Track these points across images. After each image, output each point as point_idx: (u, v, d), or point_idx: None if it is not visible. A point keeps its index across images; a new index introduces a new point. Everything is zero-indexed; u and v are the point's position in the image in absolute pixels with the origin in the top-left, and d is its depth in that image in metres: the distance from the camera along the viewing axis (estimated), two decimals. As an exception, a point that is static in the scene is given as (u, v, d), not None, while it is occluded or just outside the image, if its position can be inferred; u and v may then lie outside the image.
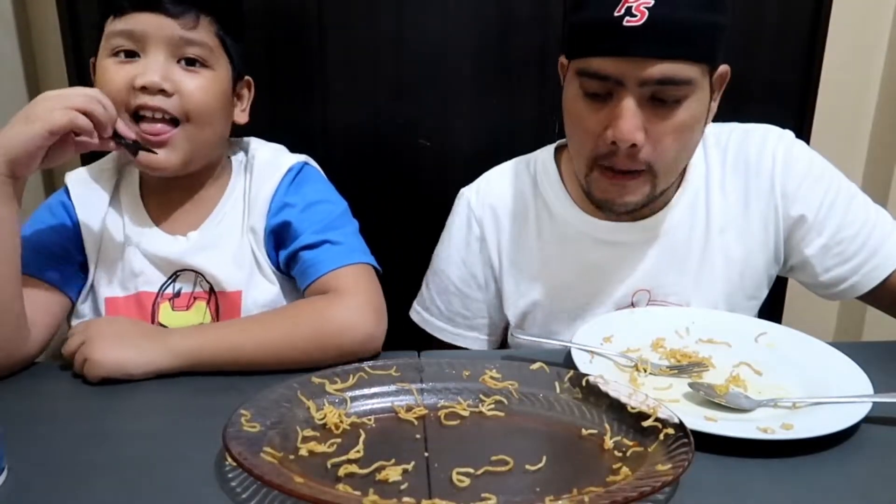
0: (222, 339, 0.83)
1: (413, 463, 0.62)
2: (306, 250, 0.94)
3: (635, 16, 0.79)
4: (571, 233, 1.00)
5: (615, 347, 0.85)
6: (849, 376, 0.77)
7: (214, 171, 1.00)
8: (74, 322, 0.96)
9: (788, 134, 1.00)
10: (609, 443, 0.65)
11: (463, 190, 1.08)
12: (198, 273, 0.95)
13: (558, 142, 1.05)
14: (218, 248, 0.96)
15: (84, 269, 0.96)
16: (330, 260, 0.92)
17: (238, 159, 1.03)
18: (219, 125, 0.95)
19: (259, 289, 0.96)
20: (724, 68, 0.90)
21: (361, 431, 0.67)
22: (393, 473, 0.60)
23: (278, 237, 0.97)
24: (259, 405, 0.68)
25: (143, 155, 0.89)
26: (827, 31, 1.39)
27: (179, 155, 0.91)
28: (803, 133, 1.43)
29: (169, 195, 0.98)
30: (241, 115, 1.00)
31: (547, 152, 1.05)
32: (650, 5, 0.79)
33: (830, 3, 1.37)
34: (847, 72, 1.43)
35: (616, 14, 0.79)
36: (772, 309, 1.51)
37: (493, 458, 0.63)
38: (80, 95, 0.81)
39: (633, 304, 1.00)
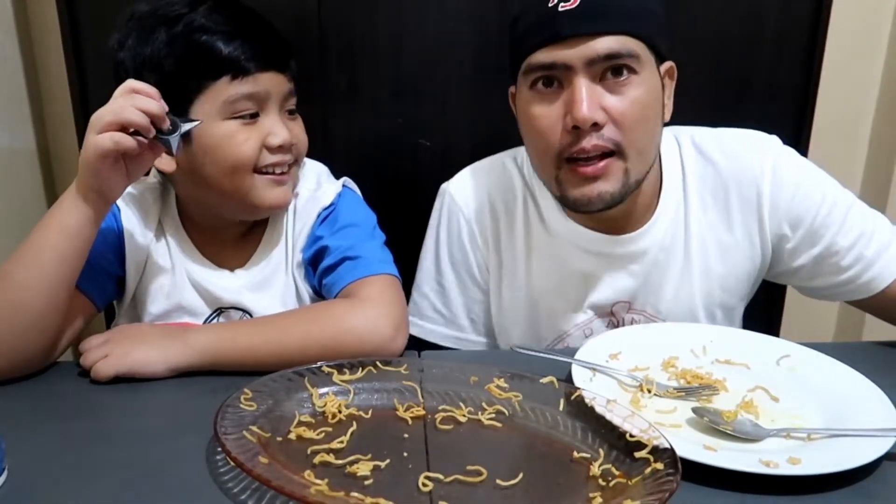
0: (240, 338, 0.84)
1: (388, 461, 0.62)
2: (328, 273, 0.94)
3: (569, 0, 0.82)
4: (559, 239, 0.99)
5: (622, 364, 0.81)
6: (875, 406, 0.72)
7: None
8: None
9: (775, 141, 0.97)
10: (596, 469, 0.62)
11: (444, 186, 1.06)
12: (245, 311, 0.96)
13: None
14: (268, 288, 0.98)
15: (120, 282, 0.97)
16: (349, 273, 0.92)
17: None
18: None
19: None
20: (669, 64, 0.91)
21: (354, 423, 0.68)
22: (363, 468, 0.60)
23: (315, 266, 0.97)
24: (263, 386, 0.70)
25: (270, 193, 0.92)
26: (827, 31, 1.38)
27: (291, 191, 0.96)
28: (803, 133, 1.43)
29: (214, 228, 0.99)
30: None
31: None
32: None
33: (830, 3, 1.37)
34: (847, 72, 1.43)
35: (551, 4, 0.83)
36: (771, 309, 1.51)
37: (469, 467, 0.61)
38: (110, 114, 0.78)
39: (612, 314, 0.99)
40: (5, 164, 1.28)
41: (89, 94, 1.36)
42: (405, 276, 0.96)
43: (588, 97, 0.83)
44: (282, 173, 0.93)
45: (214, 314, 0.97)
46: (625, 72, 0.84)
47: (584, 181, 0.87)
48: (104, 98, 0.79)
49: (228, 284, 0.97)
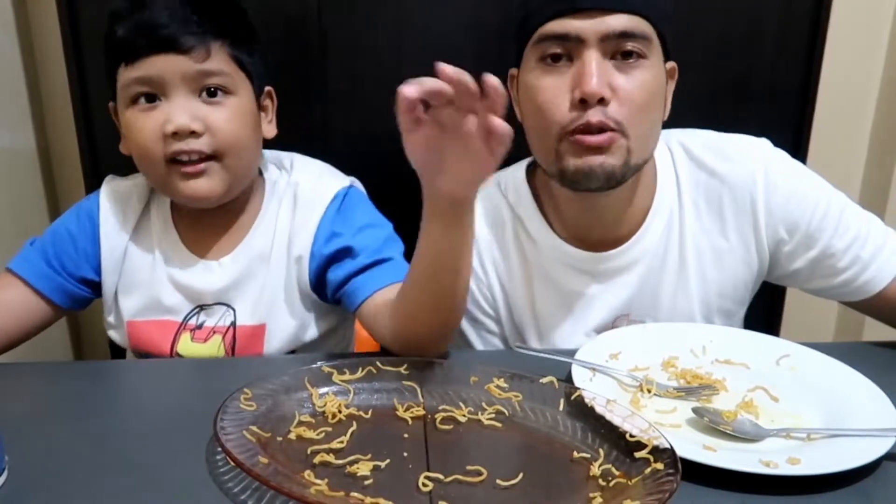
0: None
1: (388, 461, 0.62)
2: (359, 274, 0.90)
3: None
4: (550, 259, 0.98)
5: (622, 365, 0.81)
6: (875, 406, 0.71)
7: (248, 192, 0.97)
8: (107, 326, 1.00)
9: (766, 145, 0.96)
10: (596, 470, 0.62)
11: None
12: (227, 306, 0.94)
13: (528, 160, 1.02)
14: (250, 280, 0.95)
15: (90, 284, 0.96)
16: (385, 276, 0.89)
17: (272, 179, 0.99)
18: (253, 149, 0.94)
19: (281, 323, 0.95)
20: (672, 64, 0.91)
21: (354, 423, 0.68)
22: (363, 468, 0.60)
23: (333, 263, 0.94)
24: (263, 386, 0.70)
25: (184, 186, 0.87)
26: (827, 31, 1.39)
27: (220, 184, 0.89)
28: (803, 134, 1.43)
29: (202, 218, 0.95)
30: (270, 129, 0.98)
31: (520, 171, 1.02)
32: None
33: (830, 4, 1.37)
34: (847, 72, 1.43)
35: None
36: (771, 310, 1.51)
37: (469, 467, 0.61)
38: None
39: (614, 328, 0.98)
40: (5, 164, 1.28)
41: (89, 94, 1.36)
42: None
43: (598, 71, 0.82)
44: (193, 162, 0.86)
45: (195, 310, 0.95)
46: (634, 54, 0.84)
47: (586, 151, 0.85)
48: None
49: (211, 279, 0.94)
